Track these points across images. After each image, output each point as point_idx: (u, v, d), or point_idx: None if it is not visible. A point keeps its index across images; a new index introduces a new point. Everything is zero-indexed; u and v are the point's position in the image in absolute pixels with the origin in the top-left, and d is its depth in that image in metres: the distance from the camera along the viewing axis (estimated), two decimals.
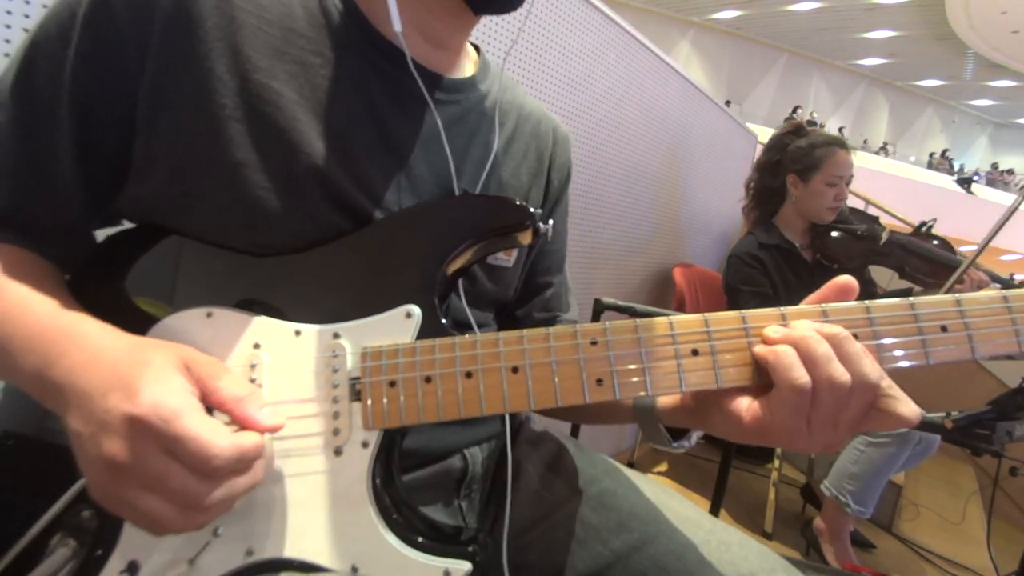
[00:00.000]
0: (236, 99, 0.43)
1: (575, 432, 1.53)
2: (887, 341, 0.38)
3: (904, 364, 0.38)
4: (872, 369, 0.36)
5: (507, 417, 0.57)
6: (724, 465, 1.43)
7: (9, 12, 0.65)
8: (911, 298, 0.38)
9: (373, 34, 0.49)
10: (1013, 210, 1.35)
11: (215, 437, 0.32)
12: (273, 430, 0.37)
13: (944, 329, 0.38)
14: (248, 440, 0.34)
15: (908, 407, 0.37)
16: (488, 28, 1.11)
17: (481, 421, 0.59)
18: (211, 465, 0.32)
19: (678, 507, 0.57)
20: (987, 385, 2.57)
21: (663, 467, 2.19)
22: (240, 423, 0.36)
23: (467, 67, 0.58)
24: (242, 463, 0.34)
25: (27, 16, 0.66)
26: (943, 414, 1.01)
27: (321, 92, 0.46)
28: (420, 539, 0.41)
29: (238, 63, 0.43)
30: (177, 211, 0.44)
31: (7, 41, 0.65)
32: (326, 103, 0.46)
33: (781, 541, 1.76)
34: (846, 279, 0.40)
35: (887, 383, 0.37)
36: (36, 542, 0.38)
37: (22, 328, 0.38)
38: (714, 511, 1.44)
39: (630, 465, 2.03)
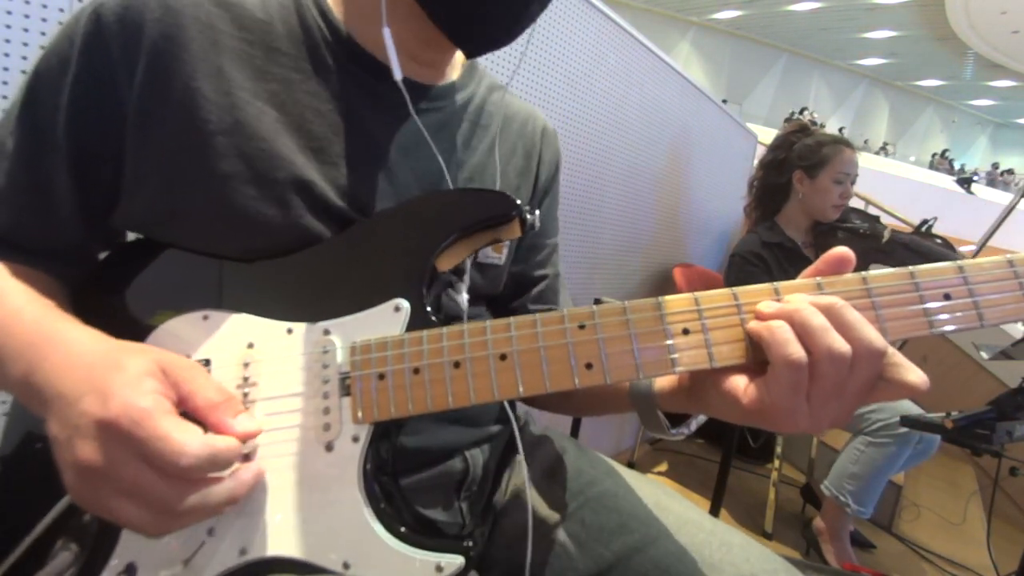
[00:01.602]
0: (220, 114, 0.44)
1: (575, 433, 1.53)
2: (887, 311, 0.36)
3: (907, 335, 0.36)
4: (875, 336, 0.34)
5: (508, 407, 0.57)
6: (724, 465, 1.43)
7: (9, 12, 0.65)
8: (910, 267, 0.36)
9: (354, 48, 0.50)
10: (1010, 209, 1.37)
11: (184, 436, 0.32)
12: (248, 436, 0.37)
13: (947, 297, 0.36)
14: (221, 441, 0.34)
15: (916, 374, 0.35)
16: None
17: (482, 421, 0.59)
18: (180, 465, 0.32)
19: (679, 508, 0.57)
20: (987, 385, 2.57)
21: (663, 467, 2.19)
22: (214, 430, 0.36)
23: (451, 72, 0.59)
24: (215, 465, 0.34)
25: (27, 16, 0.66)
26: (943, 414, 1.01)
27: (302, 107, 0.47)
28: (412, 533, 0.40)
29: (222, 83, 0.44)
30: (167, 224, 0.46)
31: (7, 41, 0.65)
32: (308, 117, 0.48)
33: (781, 541, 1.76)
34: (842, 250, 0.38)
35: (891, 350, 0.35)
36: (41, 545, 0.39)
37: (12, 337, 0.38)
38: (714, 511, 1.44)
39: (630, 465, 2.03)
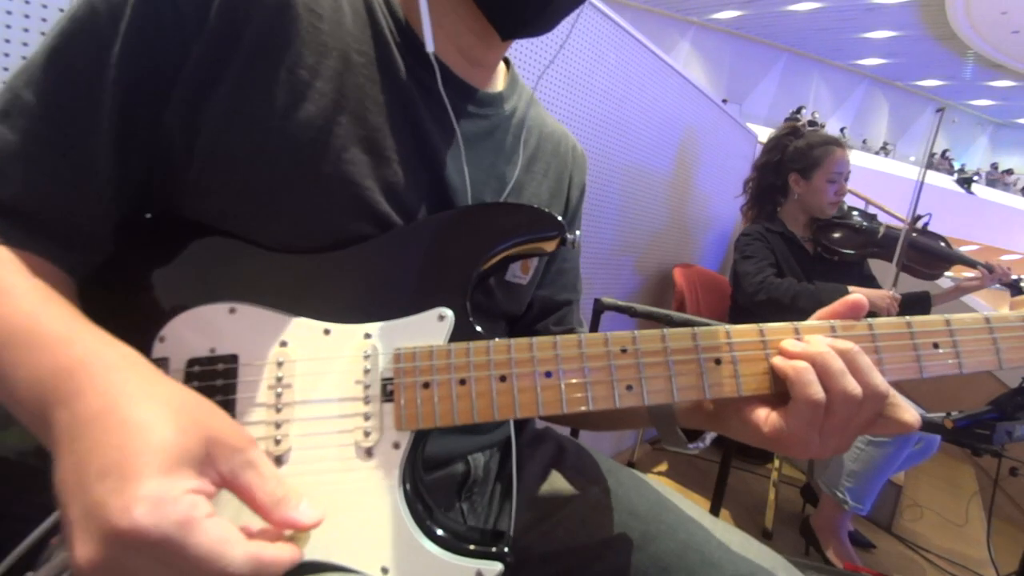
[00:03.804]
0: (278, 92, 0.42)
1: (575, 433, 1.53)
2: (887, 355, 0.42)
3: (900, 377, 0.41)
4: (881, 381, 0.39)
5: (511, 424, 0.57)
6: (724, 465, 1.43)
7: (9, 12, 0.65)
8: (907, 317, 0.42)
9: (414, 43, 0.49)
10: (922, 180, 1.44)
11: (227, 548, 0.27)
12: (314, 526, 0.32)
13: (936, 346, 0.42)
14: (270, 552, 0.29)
15: (910, 413, 0.41)
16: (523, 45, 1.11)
17: (488, 428, 0.59)
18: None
19: (679, 507, 0.57)
20: (987, 385, 2.57)
21: (663, 467, 2.19)
22: (280, 527, 0.31)
23: (498, 81, 0.59)
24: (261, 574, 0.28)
25: (27, 16, 0.66)
26: (943, 414, 1.01)
27: (362, 93, 0.46)
28: (451, 540, 0.40)
29: (287, 57, 0.42)
30: (198, 195, 0.42)
31: (7, 41, 0.65)
32: (366, 104, 0.46)
33: (781, 541, 1.76)
34: (858, 298, 0.43)
35: (892, 392, 0.40)
36: (37, 544, 0.38)
37: (26, 350, 0.32)
38: (714, 511, 1.44)
39: (630, 465, 2.03)
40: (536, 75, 1.22)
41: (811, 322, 0.43)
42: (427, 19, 0.46)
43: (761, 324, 0.43)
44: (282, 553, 0.30)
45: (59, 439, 0.29)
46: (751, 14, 16.59)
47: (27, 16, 0.66)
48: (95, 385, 0.30)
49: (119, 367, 0.31)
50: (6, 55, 0.65)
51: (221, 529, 0.27)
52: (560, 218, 0.47)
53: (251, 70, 0.41)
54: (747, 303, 1.70)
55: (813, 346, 0.40)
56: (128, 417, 0.28)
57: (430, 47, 0.47)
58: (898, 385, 0.42)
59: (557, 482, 0.61)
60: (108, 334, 0.34)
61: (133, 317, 0.38)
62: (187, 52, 0.40)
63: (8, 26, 0.65)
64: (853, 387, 0.39)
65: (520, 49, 1.24)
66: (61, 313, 0.34)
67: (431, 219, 0.48)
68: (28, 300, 0.34)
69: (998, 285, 1.71)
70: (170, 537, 0.26)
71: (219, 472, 0.30)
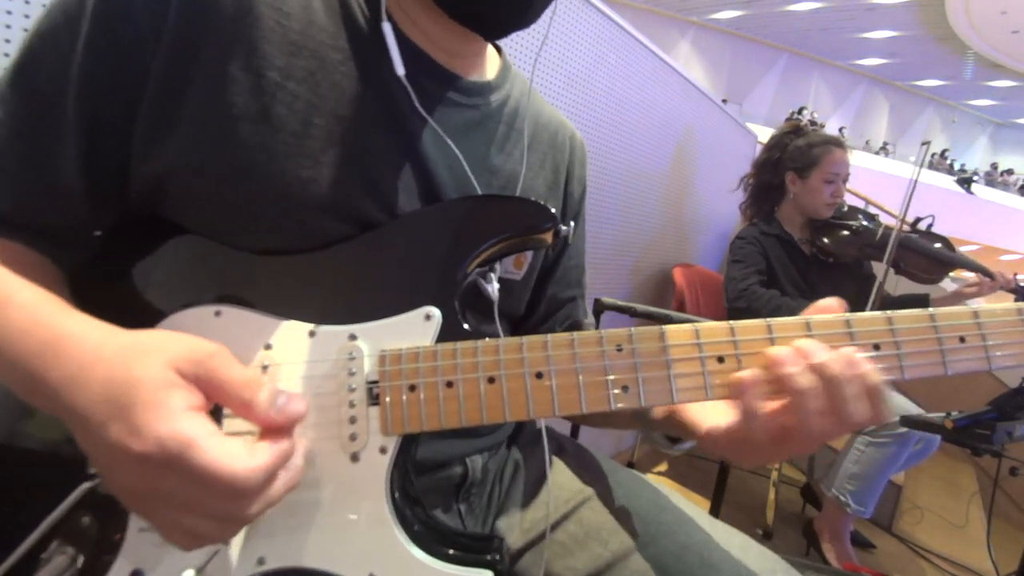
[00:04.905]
0: (248, 98, 0.41)
1: (575, 432, 1.53)
2: (908, 351, 0.38)
3: (923, 375, 0.38)
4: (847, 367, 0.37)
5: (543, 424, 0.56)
6: (724, 465, 1.43)
7: (9, 12, 0.65)
8: (931, 309, 0.39)
9: (394, 32, 0.47)
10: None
11: (233, 462, 0.30)
12: (299, 418, 0.34)
13: (962, 340, 0.38)
14: (267, 454, 0.32)
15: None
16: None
17: (485, 431, 0.59)
18: (240, 490, 0.30)
19: (678, 508, 0.57)
20: (987, 385, 2.57)
21: (663, 467, 2.19)
22: (261, 424, 0.34)
23: (488, 69, 0.56)
24: (272, 475, 0.32)
25: (27, 16, 0.66)
26: (943, 414, 1.01)
27: (339, 91, 0.44)
28: (440, 548, 0.40)
29: (253, 60, 0.41)
30: (176, 203, 0.42)
31: (7, 41, 0.65)
32: (343, 102, 0.44)
33: (781, 541, 1.76)
34: (830, 303, 0.40)
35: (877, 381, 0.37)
36: (32, 548, 0.37)
37: (14, 335, 0.35)
38: (714, 511, 1.44)
39: (630, 465, 2.03)
40: (529, 66, 1.22)
41: (823, 317, 0.40)
42: (394, 46, 0.45)
43: (769, 320, 0.40)
44: (282, 446, 0.33)
45: (58, 408, 0.32)
46: (751, 14, 16.58)
47: (27, 16, 0.66)
48: (67, 351, 0.33)
49: (87, 335, 0.34)
50: (6, 55, 0.65)
51: (225, 444, 0.30)
52: (552, 209, 0.45)
53: (217, 78, 0.40)
54: (729, 307, 1.70)
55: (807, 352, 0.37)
56: (102, 371, 0.32)
57: (400, 70, 0.45)
58: (895, 383, 0.40)
59: (556, 482, 0.61)
60: (76, 310, 0.36)
61: (121, 321, 0.37)
62: (147, 66, 0.40)
63: (8, 26, 0.65)
64: (814, 380, 0.36)
65: (511, 40, 1.24)
66: (38, 299, 0.37)
67: (416, 214, 0.46)
68: (10, 292, 0.37)
69: (1001, 292, 1.69)
70: (178, 455, 0.29)
71: (191, 384, 0.32)
